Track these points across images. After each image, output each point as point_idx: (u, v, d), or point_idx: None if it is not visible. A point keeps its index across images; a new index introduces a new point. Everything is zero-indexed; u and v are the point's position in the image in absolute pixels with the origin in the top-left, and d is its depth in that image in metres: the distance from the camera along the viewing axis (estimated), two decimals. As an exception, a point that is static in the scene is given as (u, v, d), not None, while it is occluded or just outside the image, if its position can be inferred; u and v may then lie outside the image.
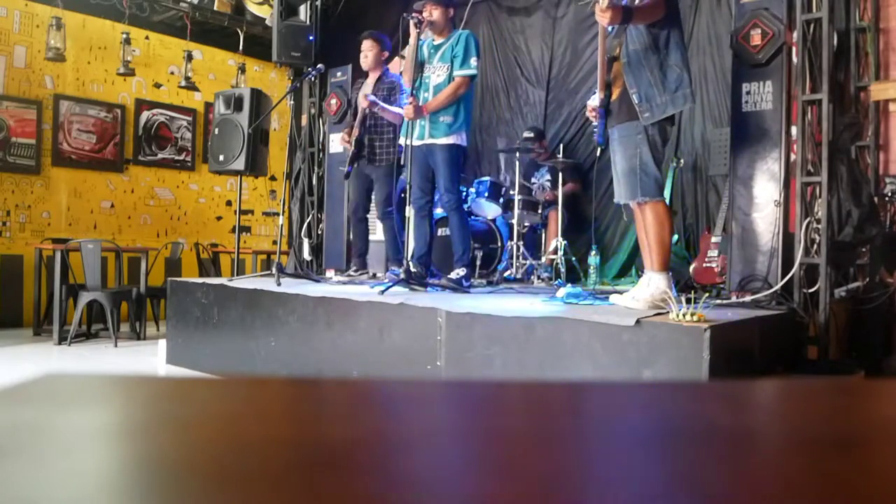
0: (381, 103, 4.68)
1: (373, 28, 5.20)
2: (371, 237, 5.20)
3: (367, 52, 4.89)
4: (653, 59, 3.06)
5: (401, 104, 4.74)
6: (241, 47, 7.30)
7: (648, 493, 0.32)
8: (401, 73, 4.64)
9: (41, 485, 0.30)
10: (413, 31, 4.12)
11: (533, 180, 5.80)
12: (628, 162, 3.14)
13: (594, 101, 3.30)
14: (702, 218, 5.53)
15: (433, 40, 4.29)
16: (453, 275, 4.15)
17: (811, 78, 3.68)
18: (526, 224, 5.43)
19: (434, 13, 4.15)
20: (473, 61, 4.12)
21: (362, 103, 4.71)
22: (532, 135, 5.74)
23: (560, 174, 5.27)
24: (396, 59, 6.33)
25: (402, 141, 4.34)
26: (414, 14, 4.12)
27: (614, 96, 3.18)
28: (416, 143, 4.19)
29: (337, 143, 5.55)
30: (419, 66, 4.19)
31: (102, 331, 5.74)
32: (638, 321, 2.68)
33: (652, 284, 3.13)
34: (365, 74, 5.06)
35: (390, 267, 4.86)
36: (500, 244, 5.56)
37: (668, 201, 5.42)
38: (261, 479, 0.32)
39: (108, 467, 0.35)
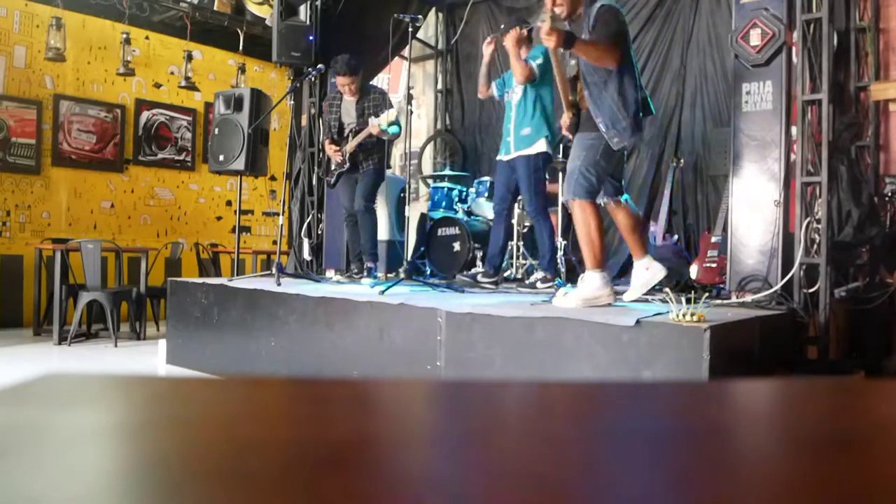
0: (385, 128, 4.70)
1: (372, 28, 5.19)
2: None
3: (348, 84, 4.85)
4: (612, 87, 3.19)
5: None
6: (241, 47, 7.30)
7: (648, 493, 0.32)
8: (400, 75, 4.67)
9: (41, 485, 0.30)
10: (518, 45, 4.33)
11: None
12: (572, 163, 3.31)
13: (566, 118, 3.50)
14: (702, 218, 5.54)
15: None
16: (539, 284, 4.40)
17: (811, 78, 3.68)
18: (526, 224, 5.43)
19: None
20: (537, 61, 4.32)
21: (374, 131, 4.67)
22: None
23: (560, 174, 5.26)
24: (397, 59, 6.34)
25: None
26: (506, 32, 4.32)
27: (583, 109, 3.34)
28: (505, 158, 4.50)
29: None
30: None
31: (102, 331, 5.74)
32: (638, 321, 2.68)
33: (585, 283, 3.24)
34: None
35: (366, 262, 4.95)
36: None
37: (668, 201, 5.44)
38: (261, 479, 0.32)
39: (108, 467, 0.35)
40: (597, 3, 3.20)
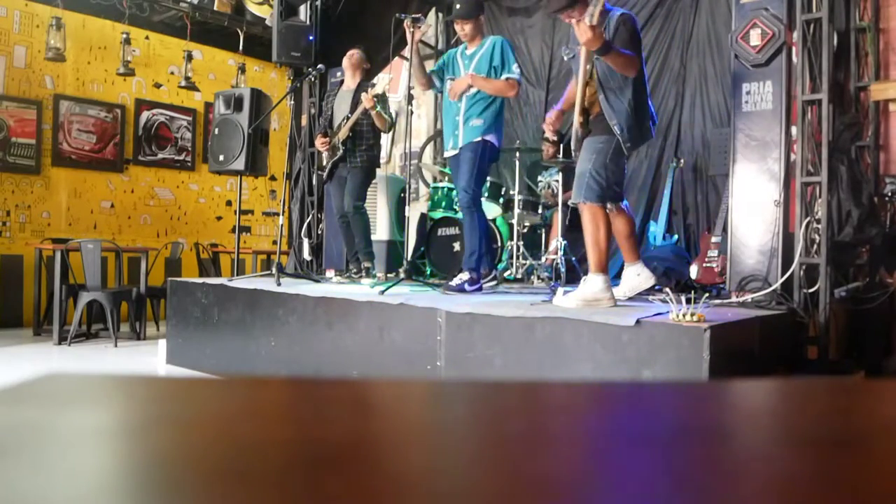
0: (380, 108, 4.69)
1: (372, 28, 5.19)
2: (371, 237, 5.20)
3: (354, 52, 4.94)
4: (628, 93, 3.26)
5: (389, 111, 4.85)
6: (241, 47, 7.30)
7: (648, 493, 0.32)
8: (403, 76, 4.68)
9: (41, 485, 0.30)
10: (410, 38, 4.23)
11: (539, 179, 5.80)
12: (583, 165, 3.32)
13: (553, 115, 3.56)
14: (702, 218, 5.53)
15: (465, 48, 4.31)
16: (454, 281, 4.02)
17: (811, 78, 3.68)
18: (526, 224, 5.43)
19: (465, 27, 4.22)
20: (515, 67, 4.10)
21: (367, 104, 4.67)
22: (556, 137, 5.60)
23: (561, 174, 5.27)
24: (397, 59, 6.34)
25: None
26: (414, 17, 4.23)
27: (592, 115, 3.36)
28: (453, 152, 4.21)
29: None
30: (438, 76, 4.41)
31: (102, 331, 5.74)
32: (638, 321, 2.68)
33: (587, 284, 3.26)
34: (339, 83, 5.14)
35: (363, 262, 4.90)
36: (500, 244, 5.56)
37: (668, 201, 5.44)
38: (260, 479, 0.32)
39: (108, 467, 0.35)
40: (615, 12, 3.27)
